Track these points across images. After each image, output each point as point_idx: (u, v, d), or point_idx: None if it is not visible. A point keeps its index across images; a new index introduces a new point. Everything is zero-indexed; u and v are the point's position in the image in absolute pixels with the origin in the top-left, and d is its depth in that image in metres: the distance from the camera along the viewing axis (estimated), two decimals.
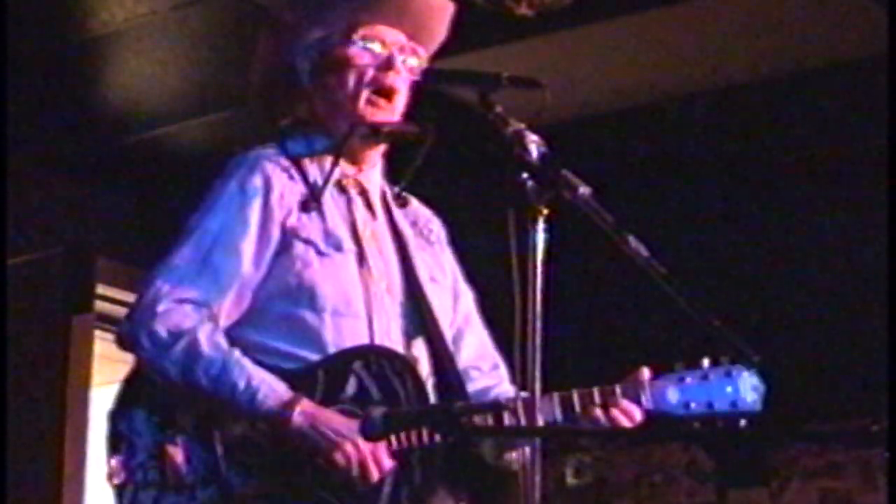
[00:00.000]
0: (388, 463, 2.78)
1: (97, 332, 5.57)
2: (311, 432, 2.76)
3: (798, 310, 6.20)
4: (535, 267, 2.50)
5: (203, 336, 2.82)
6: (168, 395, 2.86)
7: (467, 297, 3.16)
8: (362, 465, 2.76)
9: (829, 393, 6.03)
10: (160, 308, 2.84)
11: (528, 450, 2.55)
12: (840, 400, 5.90)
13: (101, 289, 5.67)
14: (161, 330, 2.82)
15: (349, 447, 2.76)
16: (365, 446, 2.75)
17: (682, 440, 6.09)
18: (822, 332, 6.13)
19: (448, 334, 3.04)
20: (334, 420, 2.78)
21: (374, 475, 2.77)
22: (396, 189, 3.14)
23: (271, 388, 2.79)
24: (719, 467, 6.65)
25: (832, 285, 6.13)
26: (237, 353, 2.83)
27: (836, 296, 6.14)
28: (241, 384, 2.78)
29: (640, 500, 6.82)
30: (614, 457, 6.80)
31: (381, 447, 2.77)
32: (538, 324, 2.48)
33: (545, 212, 2.53)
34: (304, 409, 2.77)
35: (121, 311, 4.92)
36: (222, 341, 2.84)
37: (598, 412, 2.84)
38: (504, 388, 3.05)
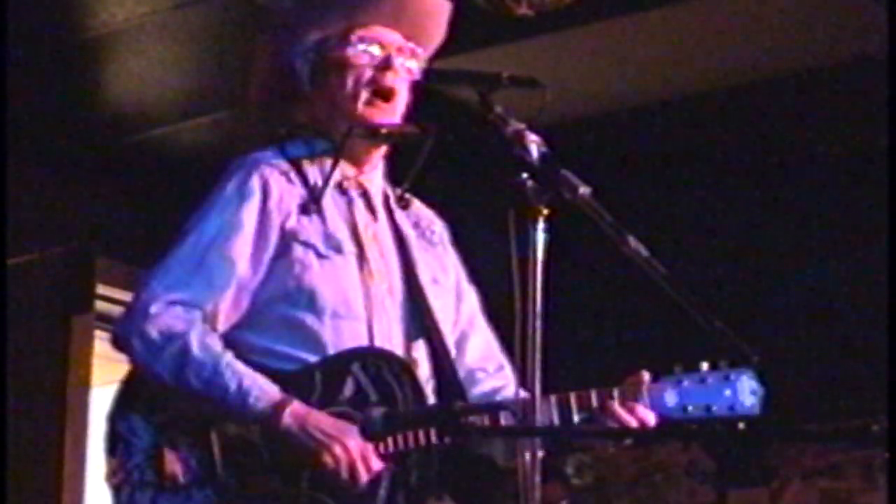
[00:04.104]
0: (377, 464, 2.77)
1: (97, 332, 5.56)
2: (301, 433, 2.76)
3: (798, 310, 6.21)
4: (535, 267, 2.49)
5: (194, 338, 2.82)
6: (164, 396, 2.86)
7: (471, 297, 3.15)
8: (351, 466, 2.75)
9: (829, 393, 6.03)
10: (153, 310, 2.83)
11: (527, 451, 2.55)
12: (840, 400, 5.90)
13: (100, 289, 5.66)
14: (153, 332, 2.82)
15: (338, 448, 2.75)
16: (355, 447, 2.75)
17: (681, 440, 6.09)
18: (822, 333, 6.14)
19: (449, 336, 3.03)
20: (324, 421, 2.78)
21: (364, 476, 2.76)
22: (399, 191, 3.13)
23: (262, 391, 2.78)
24: (719, 467, 6.66)
25: (832, 285, 6.14)
26: (229, 355, 2.83)
27: (836, 295, 6.15)
28: (233, 386, 2.78)
29: (640, 500, 6.83)
30: (614, 457, 6.80)
31: (371, 448, 2.77)
32: (538, 324, 2.48)
33: (545, 212, 2.53)
34: (294, 411, 2.77)
35: (120, 311, 4.92)
36: (214, 343, 2.84)
37: (619, 408, 2.83)
38: (511, 389, 3.03)
